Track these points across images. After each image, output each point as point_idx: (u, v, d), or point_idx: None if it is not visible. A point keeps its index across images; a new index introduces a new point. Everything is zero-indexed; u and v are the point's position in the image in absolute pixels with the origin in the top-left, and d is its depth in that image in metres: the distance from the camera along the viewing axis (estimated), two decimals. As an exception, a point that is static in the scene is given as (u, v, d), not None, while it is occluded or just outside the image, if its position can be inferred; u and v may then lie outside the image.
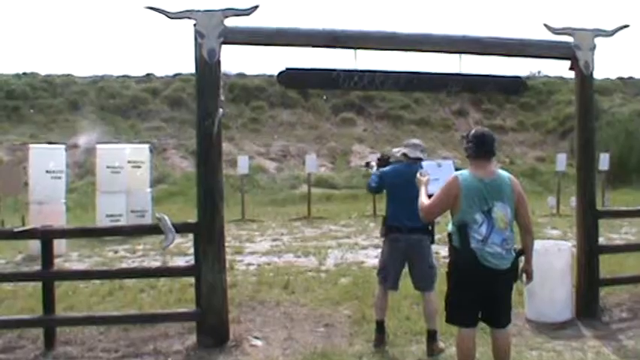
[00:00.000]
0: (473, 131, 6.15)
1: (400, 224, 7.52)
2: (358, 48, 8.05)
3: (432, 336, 7.47)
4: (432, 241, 7.66)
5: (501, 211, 5.80)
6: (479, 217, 5.75)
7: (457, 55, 8.41)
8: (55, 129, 33.49)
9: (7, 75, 38.22)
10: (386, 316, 7.88)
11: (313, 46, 8.10)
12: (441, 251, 10.33)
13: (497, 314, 6.02)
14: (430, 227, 7.54)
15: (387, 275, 7.74)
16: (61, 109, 35.31)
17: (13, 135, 32.72)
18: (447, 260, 6.20)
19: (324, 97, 37.57)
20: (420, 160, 7.61)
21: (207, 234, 7.66)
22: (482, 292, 5.86)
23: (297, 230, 18.41)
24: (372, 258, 13.27)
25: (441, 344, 7.45)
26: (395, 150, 7.98)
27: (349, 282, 11.13)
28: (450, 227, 6.02)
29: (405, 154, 7.71)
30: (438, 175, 6.45)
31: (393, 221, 7.62)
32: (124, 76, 39.14)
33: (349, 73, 8.06)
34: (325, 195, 26.91)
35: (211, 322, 7.75)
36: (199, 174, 7.76)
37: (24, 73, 38.74)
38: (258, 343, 7.67)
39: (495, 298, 5.95)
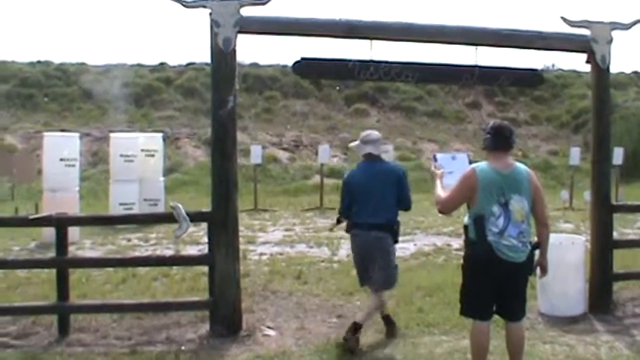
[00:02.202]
0: (490, 123, 6.15)
1: (361, 220, 7.44)
2: (374, 39, 8.04)
3: (355, 328, 7.29)
4: (395, 241, 7.56)
5: (518, 204, 5.77)
6: (496, 209, 5.72)
7: (473, 47, 8.39)
8: (69, 117, 33.57)
9: (21, 63, 38.28)
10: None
11: (329, 37, 8.10)
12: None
13: (512, 307, 6.02)
14: (395, 226, 7.47)
15: (361, 272, 7.73)
16: (74, 97, 35.35)
17: (27, 123, 32.80)
18: (462, 253, 6.21)
19: (338, 88, 37.50)
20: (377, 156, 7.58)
21: (221, 223, 7.67)
22: (498, 285, 5.84)
23: (310, 220, 18.41)
24: (384, 249, 13.27)
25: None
26: (354, 144, 7.83)
27: (362, 273, 11.11)
28: (465, 220, 6.01)
29: (369, 154, 7.60)
30: (453, 168, 6.39)
31: (356, 217, 7.52)
32: (137, 65, 39.13)
33: (365, 64, 8.05)
34: (337, 185, 26.75)
35: (224, 312, 7.77)
36: (214, 163, 7.76)
37: (38, 62, 38.79)
38: (271, 332, 7.69)
39: (510, 291, 5.93)
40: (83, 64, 38.80)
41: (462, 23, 8.39)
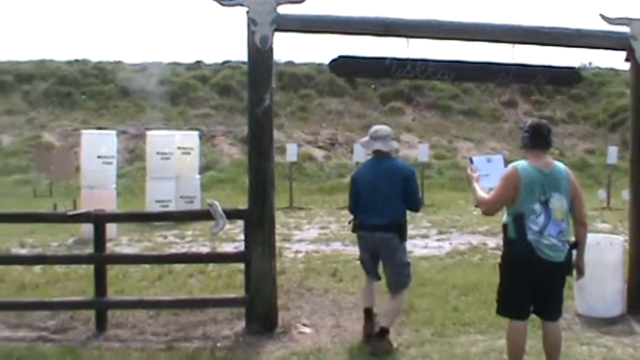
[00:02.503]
0: (529, 122, 6.14)
1: (366, 221, 7.32)
2: (411, 37, 8.03)
3: (381, 334, 7.23)
4: (403, 239, 7.38)
5: (558, 202, 5.75)
6: (537, 207, 5.70)
7: (510, 45, 8.33)
8: (106, 115, 33.85)
9: (59, 62, 38.67)
10: (374, 305, 7.77)
11: (366, 35, 8.11)
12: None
13: (550, 307, 5.98)
14: (401, 226, 7.30)
15: (366, 268, 7.70)
16: (111, 95, 35.65)
17: (65, 121, 33.14)
18: (499, 252, 6.13)
19: (373, 86, 37.42)
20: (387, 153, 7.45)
21: (258, 220, 7.70)
22: (536, 285, 5.81)
23: (345, 218, 18.33)
24: (419, 248, 13.28)
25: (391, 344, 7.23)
26: (363, 141, 7.71)
27: (397, 271, 11.08)
28: (504, 218, 5.94)
29: (378, 150, 7.45)
30: (488, 170, 6.29)
31: (361, 217, 7.41)
32: (173, 63, 39.35)
33: (402, 62, 8.01)
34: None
35: (260, 309, 7.81)
36: (250, 161, 7.79)
37: (76, 60, 39.13)
38: (307, 330, 7.71)
39: (548, 290, 5.90)
40: (120, 62, 39.09)
41: (499, 21, 8.33)
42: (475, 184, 6.15)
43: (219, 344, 7.50)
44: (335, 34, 8.15)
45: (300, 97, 36.29)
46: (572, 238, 5.99)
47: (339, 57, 7.97)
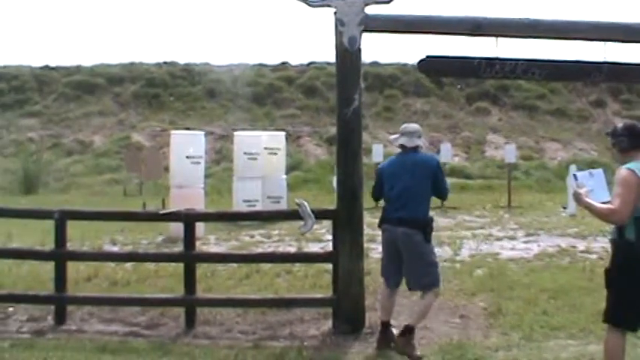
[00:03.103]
0: (621, 125, 5.94)
1: (390, 215, 7.23)
2: (500, 36, 7.90)
3: (405, 331, 7.09)
4: (428, 239, 7.19)
5: None
6: None
7: (601, 43, 8.12)
8: (193, 116, 34.44)
9: (148, 64, 39.52)
10: (391, 317, 7.54)
11: (454, 34, 8.02)
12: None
13: None
14: (425, 222, 7.15)
15: (387, 273, 7.46)
16: (198, 96, 36.23)
17: (153, 121, 33.87)
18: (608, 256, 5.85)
19: (459, 86, 37.15)
20: (418, 148, 7.34)
21: (346, 221, 7.72)
22: None
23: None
24: (507, 250, 13.10)
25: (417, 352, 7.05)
26: (393, 137, 7.62)
27: (484, 273, 10.99)
28: None
29: (402, 145, 7.37)
30: (591, 185, 6.02)
31: (386, 211, 7.33)
32: (259, 65, 39.74)
33: (490, 62, 7.88)
34: (459, 185, 26.60)
35: (347, 309, 7.80)
36: (339, 161, 7.80)
37: (164, 62, 39.92)
38: (394, 331, 7.65)
39: None
40: (207, 64, 39.68)
41: (590, 18, 8.14)
42: (588, 200, 5.75)
43: (306, 343, 7.53)
44: (423, 34, 8.10)
45: (385, 97, 36.25)
46: None
47: (427, 57, 7.92)
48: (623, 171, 5.58)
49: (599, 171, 6.12)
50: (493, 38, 7.90)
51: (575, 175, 6.14)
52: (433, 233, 7.27)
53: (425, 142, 7.45)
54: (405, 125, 7.60)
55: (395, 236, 7.16)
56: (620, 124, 6.00)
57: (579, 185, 5.92)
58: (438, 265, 7.49)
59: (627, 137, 5.75)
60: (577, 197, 5.83)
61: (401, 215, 7.08)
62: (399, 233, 7.10)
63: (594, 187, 5.88)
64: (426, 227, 7.15)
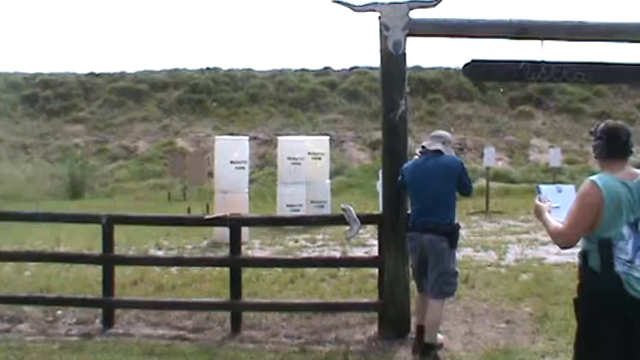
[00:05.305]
0: (601, 125, 4.88)
1: (415, 221, 7.19)
2: (545, 39, 7.83)
3: (425, 349, 7.07)
4: (453, 245, 7.15)
5: None
6: (625, 230, 4.51)
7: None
8: (236, 121, 34.61)
9: (191, 70, 39.81)
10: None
11: (499, 38, 7.98)
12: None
13: (637, 357, 4.59)
14: (451, 228, 7.10)
15: (418, 278, 7.43)
16: (241, 102, 36.41)
17: (197, 127, 34.10)
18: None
19: (501, 90, 36.86)
20: (440, 152, 7.22)
21: (391, 225, 7.72)
22: (623, 331, 4.50)
23: (475, 224, 18.18)
24: (552, 255, 12.95)
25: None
26: (426, 143, 7.48)
27: (530, 278, 10.91)
28: (584, 244, 4.69)
29: (423, 147, 7.35)
30: (559, 201, 5.18)
31: (411, 218, 7.30)
32: (302, 70, 39.84)
33: (536, 65, 7.81)
34: (503, 189, 26.41)
35: (393, 314, 7.81)
36: (384, 166, 7.84)
37: (207, 68, 40.16)
38: (439, 337, 7.62)
39: (636, 337, 4.52)
40: (250, 69, 39.86)
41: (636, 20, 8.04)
42: (546, 215, 4.97)
43: (351, 348, 7.53)
44: (467, 38, 8.06)
45: (429, 101, 36.12)
46: None
47: (472, 61, 7.89)
48: (585, 182, 4.68)
49: (570, 187, 5.46)
50: (537, 42, 7.84)
51: (539, 188, 5.46)
52: (460, 240, 7.25)
53: (450, 152, 7.33)
54: (437, 131, 7.66)
55: (420, 243, 7.15)
56: (601, 123, 4.96)
57: (542, 199, 5.18)
58: (459, 273, 7.52)
59: (606, 141, 4.78)
60: (537, 211, 5.08)
61: (425, 220, 7.07)
62: (424, 240, 7.09)
63: (562, 205, 5.10)
64: (452, 234, 7.14)
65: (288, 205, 17.74)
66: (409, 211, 7.48)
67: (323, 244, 14.79)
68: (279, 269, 11.04)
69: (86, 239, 12.74)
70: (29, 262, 11.36)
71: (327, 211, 18.15)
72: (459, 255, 13.04)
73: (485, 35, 7.98)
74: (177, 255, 13.04)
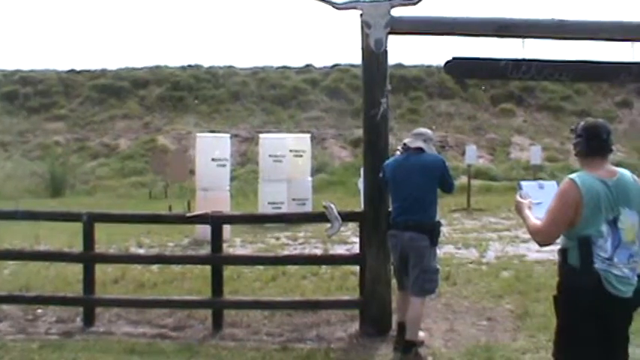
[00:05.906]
0: (582, 123, 4.93)
1: (396, 218, 7.21)
2: (526, 37, 7.86)
3: (406, 346, 7.09)
4: (434, 243, 7.17)
5: (629, 220, 4.60)
6: (605, 228, 4.54)
7: (629, 44, 8.04)
8: (218, 118, 34.57)
9: (173, 67, 39.73)
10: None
11: (480, 36, 8.01)
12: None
13: (615, 354, 4.69)
14: (432, 226, 7.13)
15: (399, 276, 7.46)
16: (223, 99, 36.36)
17: (178, 124, 34.02)
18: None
19: (483, 88, 36.98)
20: (422, 150, 7.23)
21: (373, 223, 7.73)
22: (601, 328, 4.57)
23: (457, 222, 18.22)
24: (533, 252, 12.98)
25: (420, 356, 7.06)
26: (408, 141, 7.48)
27: (511, 275, 10.95)
28: (563, 241, 4.74)
29: (404, 144, 7.36)
30: (541, 197, 5.18)
31: (393, 216, 7.30)
32: (283, 67, 39.83)
33: (517, 63, 7.84)
34: (484, 187, 26.48)
35: (374, 311, 7.82)
36: (366, 163, 7.84)
37: (189, 65, 40.09)
38: (421, 334, 7.62)
39: (617, 336, 4.66)
40: (231, 66, 39.80)
41: (617, 18, 8.07)
42: (526, 212, 5.00)
43: (333, 346, 7.55)
44: (449, 36, 8.10)
45: (410, 99, 36.18)
46: None
47: (454, 58, 7.90)
48: (564, 180, 4.75)
49: (551, 183, 5.41)
50: (519, 40, 7.87)
51: (520, 184, 5.51)
52: (441, 237, 7.27)
53: (432, 149, 7.34)
54: (418, 129, 7.68)
55: (402, 241, 7.14)
56: (582, 121, 5.02)
57: (523, 196, 5.21)
58: (440, 271, 7.54)
59: (585, 139, 4.82)
60: (517, 208, 5.12)
61: (406, 219, 7.08)
62: (405, 238, 7.09)
63: (544, 201, 5.08)
64: (432, 231, 7.15)
65: (269, 203, 17.72)
66: (390, 209, 7.48)
67: (304, 241, 14.79)
68: (261, 267, 11.01)
69: (67, 237, 12.65)
70: (8, 261, 11.25)
71: (308, 208, 18.13)
72: (440, 252, 13.09)
73: (467, 33, 8.00)
74: (159, 253, 12.99)
